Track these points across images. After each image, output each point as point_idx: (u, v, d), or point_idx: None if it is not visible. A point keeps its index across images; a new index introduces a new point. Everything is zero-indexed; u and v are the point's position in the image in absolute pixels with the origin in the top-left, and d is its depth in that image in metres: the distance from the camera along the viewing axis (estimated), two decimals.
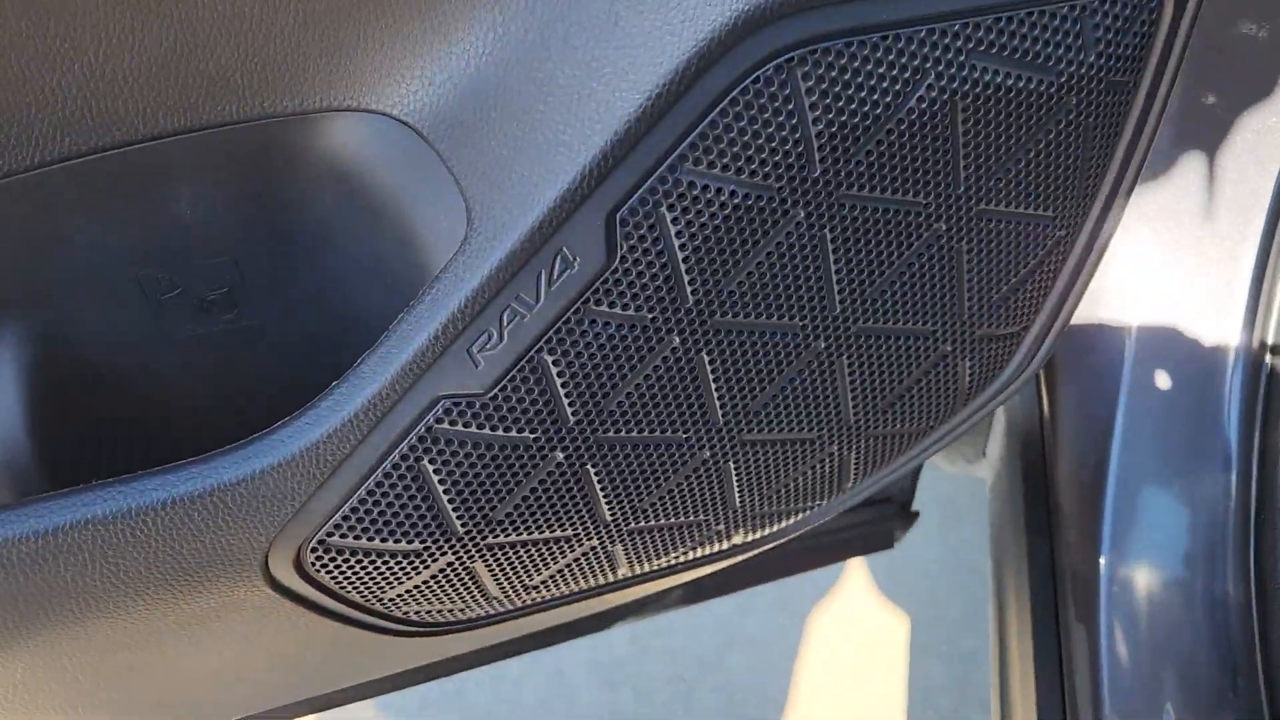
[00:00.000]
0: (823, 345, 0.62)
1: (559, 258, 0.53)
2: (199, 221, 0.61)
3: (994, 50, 0.54)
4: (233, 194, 0.60)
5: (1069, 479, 1.03)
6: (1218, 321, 0.98)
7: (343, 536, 0.60)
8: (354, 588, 0.63)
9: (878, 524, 1.31)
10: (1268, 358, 0.96)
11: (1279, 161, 0.94)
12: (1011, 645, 1.09)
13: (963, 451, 1.51)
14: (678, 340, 0.57)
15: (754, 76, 0.51)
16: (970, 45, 0.53)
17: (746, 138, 0.52)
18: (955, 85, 0.54)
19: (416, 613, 0.68)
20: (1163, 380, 1.00)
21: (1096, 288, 1.01)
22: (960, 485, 2.11)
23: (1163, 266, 0.99)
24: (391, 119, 0.55)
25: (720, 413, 0.62)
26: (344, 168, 0.58)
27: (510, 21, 0.52)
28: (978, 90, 0.54)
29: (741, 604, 1.99)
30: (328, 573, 0.62)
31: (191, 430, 0.68)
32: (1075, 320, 1.03)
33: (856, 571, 2.05)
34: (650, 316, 0.56)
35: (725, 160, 0.52)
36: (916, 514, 1.37)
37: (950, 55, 0.53)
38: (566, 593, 0.74)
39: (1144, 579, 0.94)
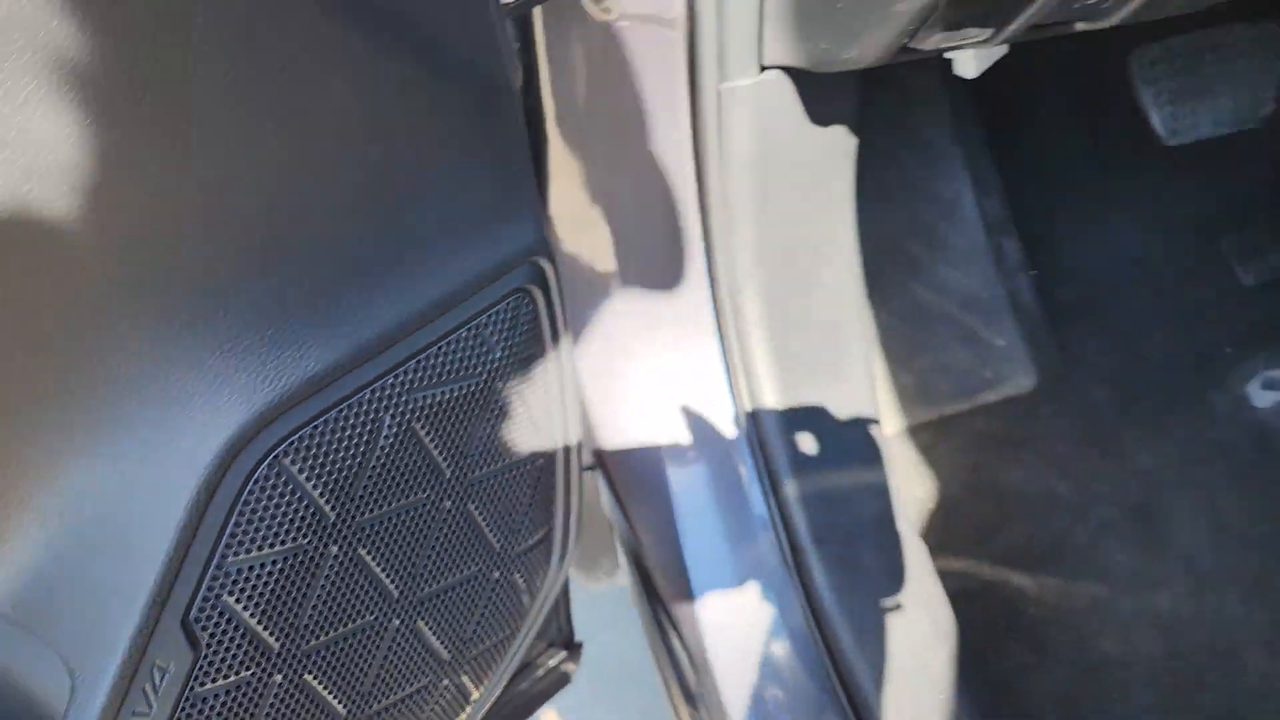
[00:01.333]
0: (398, 622, 0.77)
1: (154, 670, 0.65)
2: None
3: (427, 382, 0.72)
4: None
5: (661, 574, 1.22)
6: (709, 404, 1.17)
7: None
8: None
9: (553, 669, 1.47)
10: (753, 421, 1.18)
11: (699, 239, 1.10)
12: None
13: (602, 566, 1.71)
14: (279, 679, 0.70)
15: (254, 478, 0.65)
16: (408, 386, 0.71)
17: (268, 521, 0.66)
18: (409, 417, 0.72)
19: None
20: (693, 468, 1.19)
21: (614, 423, 1.22)
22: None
23: (650, 380, 1.18)
24: None
25: None
26: None
27: (46, 521, 0.63)
28: (427, 412, 0.73)
29: None
30: None
31: None
32: (614, 449, 1.23)
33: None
34: (249, 675, 0.68)
35: (259, 542, 0.66)
36: (580, 645, 1.54)
37: (396, 400, 0.71)
38: None
39: (743, 639, 1.15)
